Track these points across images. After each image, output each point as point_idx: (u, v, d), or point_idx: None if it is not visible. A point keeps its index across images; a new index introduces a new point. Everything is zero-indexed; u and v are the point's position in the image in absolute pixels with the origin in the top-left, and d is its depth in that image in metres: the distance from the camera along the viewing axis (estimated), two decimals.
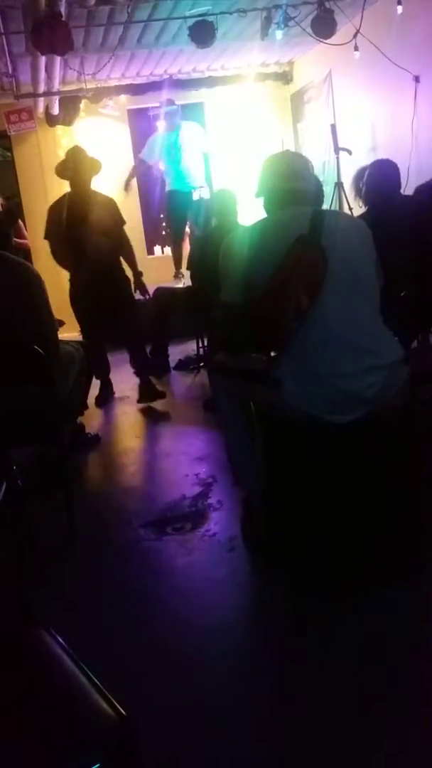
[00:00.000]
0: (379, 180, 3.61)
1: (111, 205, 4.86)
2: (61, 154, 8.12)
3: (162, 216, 8.12)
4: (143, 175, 8.06)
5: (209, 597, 2.40)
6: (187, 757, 1.71)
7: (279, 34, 6.07)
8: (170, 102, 7.35)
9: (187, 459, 3.73)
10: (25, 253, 6.96)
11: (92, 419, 4.44)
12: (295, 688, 1.91)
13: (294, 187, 2.41)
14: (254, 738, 1.75)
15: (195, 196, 7.24)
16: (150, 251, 8.62)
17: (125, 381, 5.63)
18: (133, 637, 2.20)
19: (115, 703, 1.26)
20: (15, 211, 7.35)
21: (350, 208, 5.60)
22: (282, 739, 1.73)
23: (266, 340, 2.30)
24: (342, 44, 6.07)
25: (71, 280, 4.91)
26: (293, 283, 2.14)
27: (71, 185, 4.74)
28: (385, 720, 1.74)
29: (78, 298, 4.86)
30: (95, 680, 1.32)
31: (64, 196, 4.76)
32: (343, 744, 1.69)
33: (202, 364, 5.57)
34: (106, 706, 1.24)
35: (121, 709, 1.24)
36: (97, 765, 1.16)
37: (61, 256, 4.79)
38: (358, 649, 2.02)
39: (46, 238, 4.78)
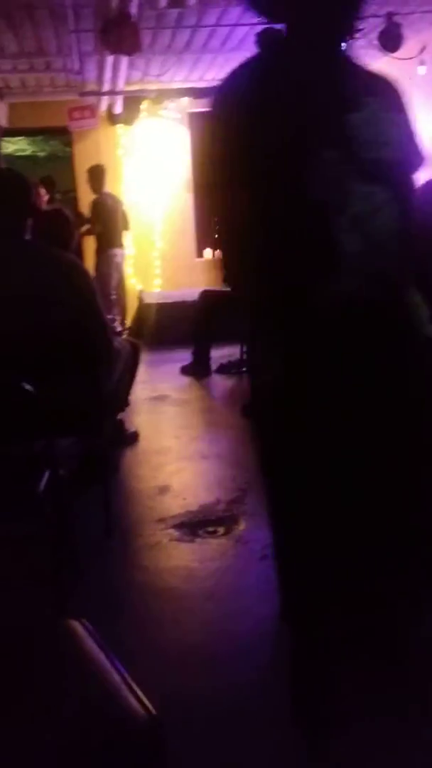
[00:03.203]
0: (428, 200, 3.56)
1: None
2: (120, 153, 8.29)
3: (216, 219, 8.16)
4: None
5: (239, 603, 2.39)
6: (213, 759, 1.70)
7: (344, 45, 6.04)
8: None
9: (224, 463, 3.73)
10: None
11: (132, 416, 4.47)
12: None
13: None
14: (283, 744, 1.74)
15: None
16: (199, 254, 8.68)
17: (165, 380, 5.67)
18: (162, 637, 2.21)
19: (146, 703, 1.26)
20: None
21: None
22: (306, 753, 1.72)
23: None
24: (408, 59, 6.03)
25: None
26: None
27: None
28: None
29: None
30: (127, 677, 1.33)
31: None
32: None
33: (244, 369, 5.56)
34: (138, 705, 1.25)
35: (152, 708, 1.24)
36: (127, 763, 1.17)
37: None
38: (391, 664, 1.99)
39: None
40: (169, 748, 1.43)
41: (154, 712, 1.26)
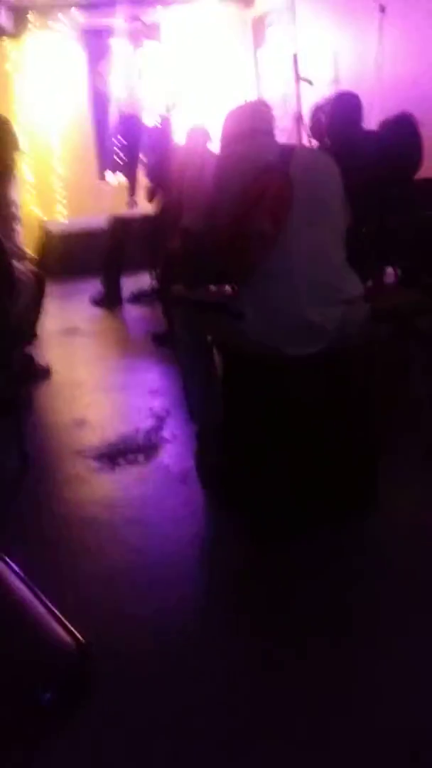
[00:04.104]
0: (342, 113, 3.52)
1: None
2: (9, 69, 7.75)
3: (116, 141, 7.84)
4: (97, 96, 7.74)
5: (163, 527, 2.41)
6: (142, 683, 1.73)
7: None
8: (135, 18, 6.99)
9: (141, 392, 3.69)
10: None
11: (42, 351, 4.34)
12: (247, 617, 1.95)
13: (258, 126, 2.39)
14: (210, 667, 1.78)
15: (149, 122, 7.02)
16: (101, 177, 8.37)
17: (76, 312, 5.53)
18: (87, 567, 2.20)
19: (73, 631, 1.27)
20: None
21: (309, 141, 5.48)
22: (237, 668, 1.77)
23: (229, 270, 2.27)
24: None
25: None
26: (258, 211, 2.10)
27: None
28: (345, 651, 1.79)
29: None
30: (52, 608, 1.33)
31: None
32: (304, 680, 1.73)
33: (155, 297, 5.47)
34: (64, 633, 1.25)
35: (78, 636, 1.25)
36: (54, 688, 1.17)
37: None
38: (308, 578, 2.07)
39: None
40: (101, 672, 1.43)
41: (81, 639, 1.26)
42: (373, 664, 1.72)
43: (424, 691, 1.61)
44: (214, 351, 2.61)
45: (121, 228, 5.72)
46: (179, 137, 5.34)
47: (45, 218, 7.89)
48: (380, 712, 1.55)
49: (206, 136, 4.80)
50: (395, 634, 1.81)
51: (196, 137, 4.82)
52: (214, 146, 4.59)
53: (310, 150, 3.17)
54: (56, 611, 1.31)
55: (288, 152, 2.25)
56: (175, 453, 2.94)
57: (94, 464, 2.89)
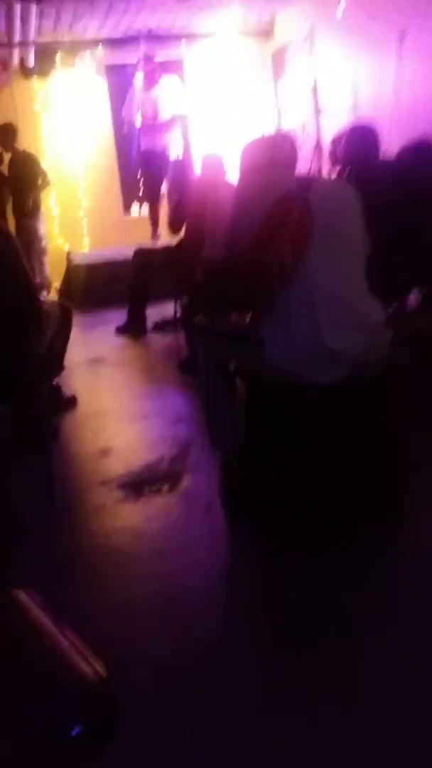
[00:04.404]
0: (357, 144, 3.54)
1: None
2: (37, 108, 7.97)
3: (139, 176, 7.97)
4: (121, 133, 7.91)
5: (188, 556, 2.40)
6: (170, 716, 1.72)
7: None
8: (149, 58, 7.16)
9: (165, 421, 3.71)
10: None
11: (68, 381, 4.39)
12: (272, 644, 1.93)
13: (276, 158, 2.44)
14: (236, 694, 1.76)
15: (171, 156, 7.14)
16: (127, 210, 8.51)
17: (101, 342, 5.59)
18: (112, 597, 2.21)
19: (97, 665, 1.25)
20: None
21: (330, 173, 5.52)
22: (261, 694, 1.75)
23: (250, 299, 2.28)
24: None
25: None
26: (278, 240, 2.11)
27: None
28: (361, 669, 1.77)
29: None
30: (77, 642, 1.32)
31: None
32: (323, 698, 1.71)
33: (179, 325, 5.52)
34: (88, 668, 1.23)
35: (103, 670, 1.23)
36: (78, 727, 1.16)
37: None
38: (332, 604, 2.05)
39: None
40: (126, 706, 1.42)
41: (106, 675, 1.25)
42: (381, 673, 1.69)
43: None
44: (237, 378, 2.62)
45: (146, 258, 5.80)
46: (198, 168, 5.42)
47: (70, 250, 8.04)
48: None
49: (221, 165, 4.86)
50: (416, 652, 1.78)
51: (211, 166, 4.88)
52: (231, 176, 4.65)
53: (328, 180, 3.20)
54: (80, 644, 1.30)
55: (306, 182, 2.28)
56: (199, 481, 2.94)
57: (120, 494, 2.90)
